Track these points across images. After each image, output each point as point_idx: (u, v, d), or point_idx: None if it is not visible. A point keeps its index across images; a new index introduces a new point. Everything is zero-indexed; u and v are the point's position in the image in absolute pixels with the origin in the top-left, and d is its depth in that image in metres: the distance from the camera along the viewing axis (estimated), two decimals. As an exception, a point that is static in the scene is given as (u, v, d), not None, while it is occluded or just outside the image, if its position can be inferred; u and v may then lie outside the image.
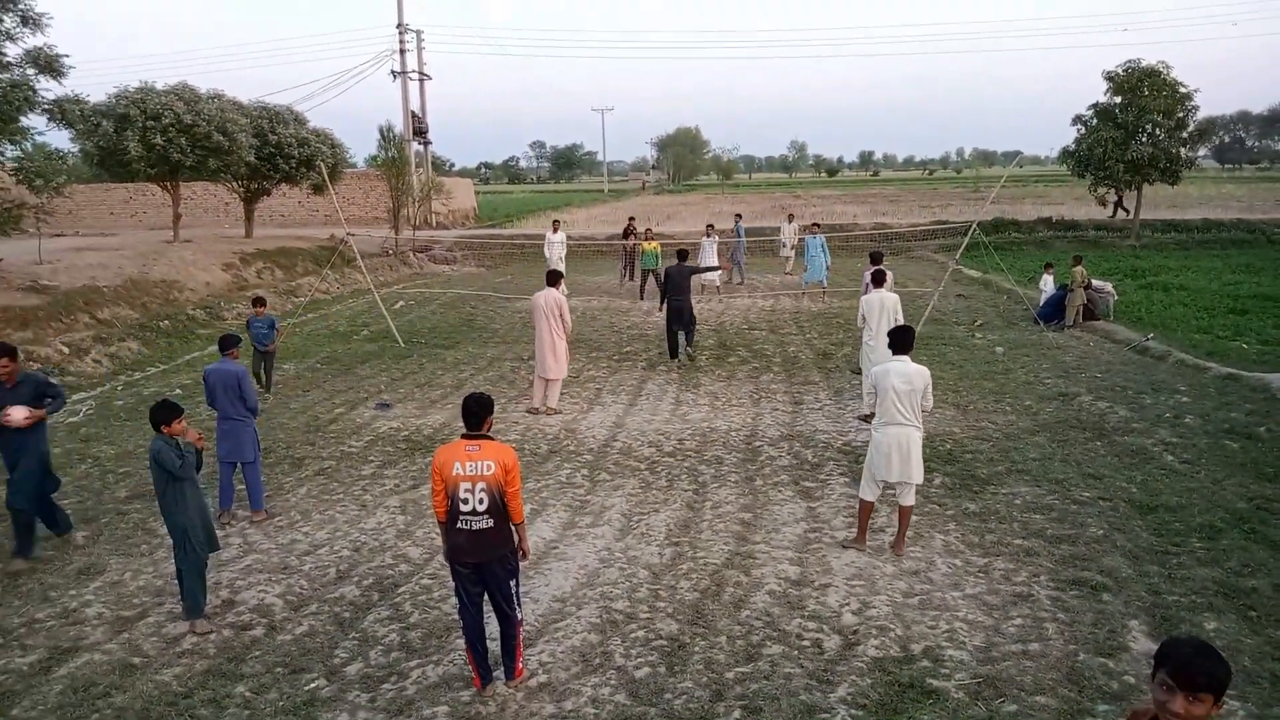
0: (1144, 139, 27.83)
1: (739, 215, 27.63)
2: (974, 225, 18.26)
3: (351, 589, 6.83)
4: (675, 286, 14.00)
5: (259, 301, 12.94)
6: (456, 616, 5.72)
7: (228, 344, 8.48)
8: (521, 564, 5.52)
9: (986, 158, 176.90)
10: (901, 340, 7.14)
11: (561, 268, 21.67)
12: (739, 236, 24.79)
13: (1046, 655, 5.58)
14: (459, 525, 5.17)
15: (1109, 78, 28.41)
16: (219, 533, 7.14)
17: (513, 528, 5.32)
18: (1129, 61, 28.18)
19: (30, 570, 7.25)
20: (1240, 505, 7.84)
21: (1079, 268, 16.66)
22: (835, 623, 6.08)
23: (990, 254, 20.26)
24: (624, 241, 24.84)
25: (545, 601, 6.54)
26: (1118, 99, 28.30)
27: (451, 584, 5.76)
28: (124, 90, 22.68)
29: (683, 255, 14.97)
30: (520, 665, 5.49)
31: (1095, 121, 28.97)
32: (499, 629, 5.48)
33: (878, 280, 10.93)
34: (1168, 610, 6.08)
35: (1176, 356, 13.39)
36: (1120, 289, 18.73)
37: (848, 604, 6.35)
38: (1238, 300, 18.26)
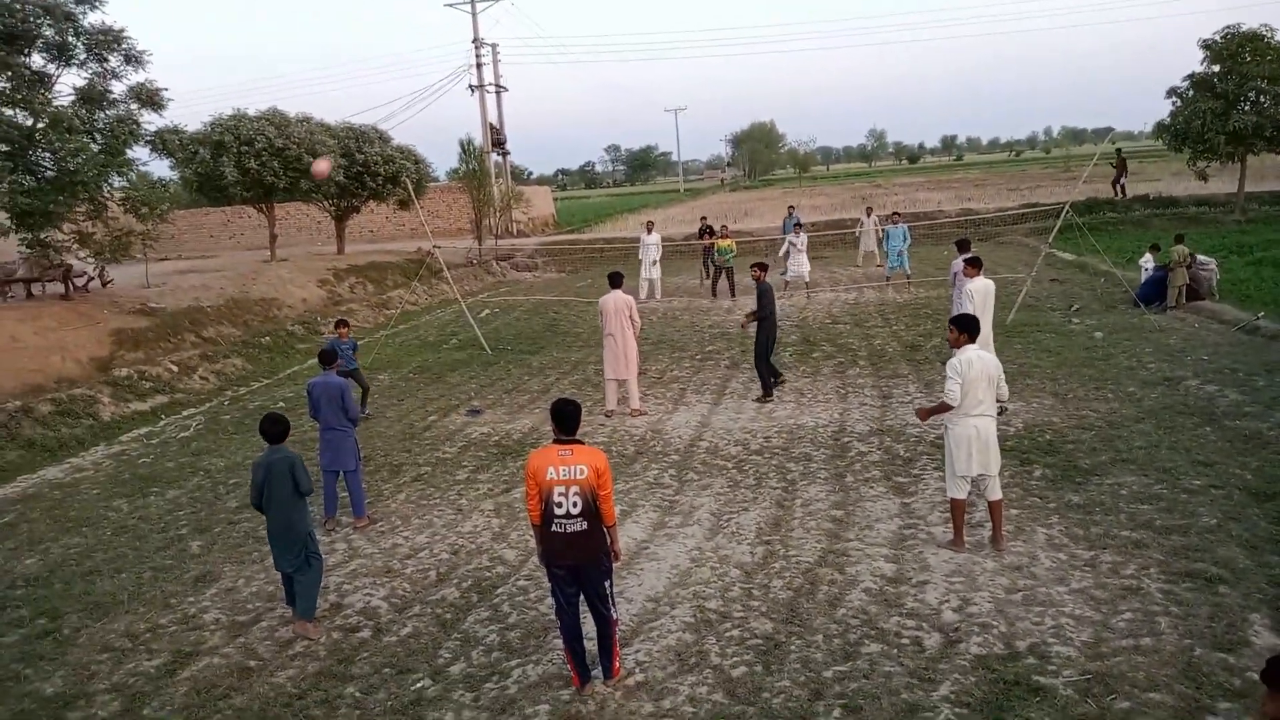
0: (1246, 107, 26.37)
1: (792, 207, 27.83)
2: (1066, 206, 17.62)
3: (452, 591, 7.02)
4: (774, 304, 12.08)
5: (342, 324, 12.36)
6: (553, 617, 5.82)
7: (328, 358, 8.83)
8: (614, 565, 5.59)
9: (1076, 136, 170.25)
10: (971, 327, 6.95)
11: (657, 272, 21.84)
12: (787, 232, 24.65)
13: (1160, 650, 5.36)
14: (553, 528, 5.28)
15: (1206, 46, 26.99)
16: (324, 539, 7.43)
17: (605, 530, 5.40)
18: (1228, 27, 26.72)
19: (151, 579, 7.67)
20: (1369, 490, 7.39)
21: (1180, 245, 15.92)
22: (935, 620, 5.97)
23: (1085, 235, 19.52)
24: (700, 241, 24.83)
25: (639, 601, 6.60)
26: (1216, 68, 26.90)
27: (547, 585, 5.91)
28: (219, 118, 23.76)
29: (762, 267, 12.71)
30: (617, 664, 5.57)
31: (1192, 93, 27.60)
32: (595, 629, 5.56)
33: (976, 264, 10.52)
34: (1292, 603, 5.77)
35: (1291, 335, 12.68)
36: (1226, 266, 17.81)
37: (947, 601, 6.22)
38: (1357, 273, 17.17)
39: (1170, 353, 12.63)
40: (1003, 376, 6.96)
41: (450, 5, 40.69)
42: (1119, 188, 32.23)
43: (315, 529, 6.73)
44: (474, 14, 40.06)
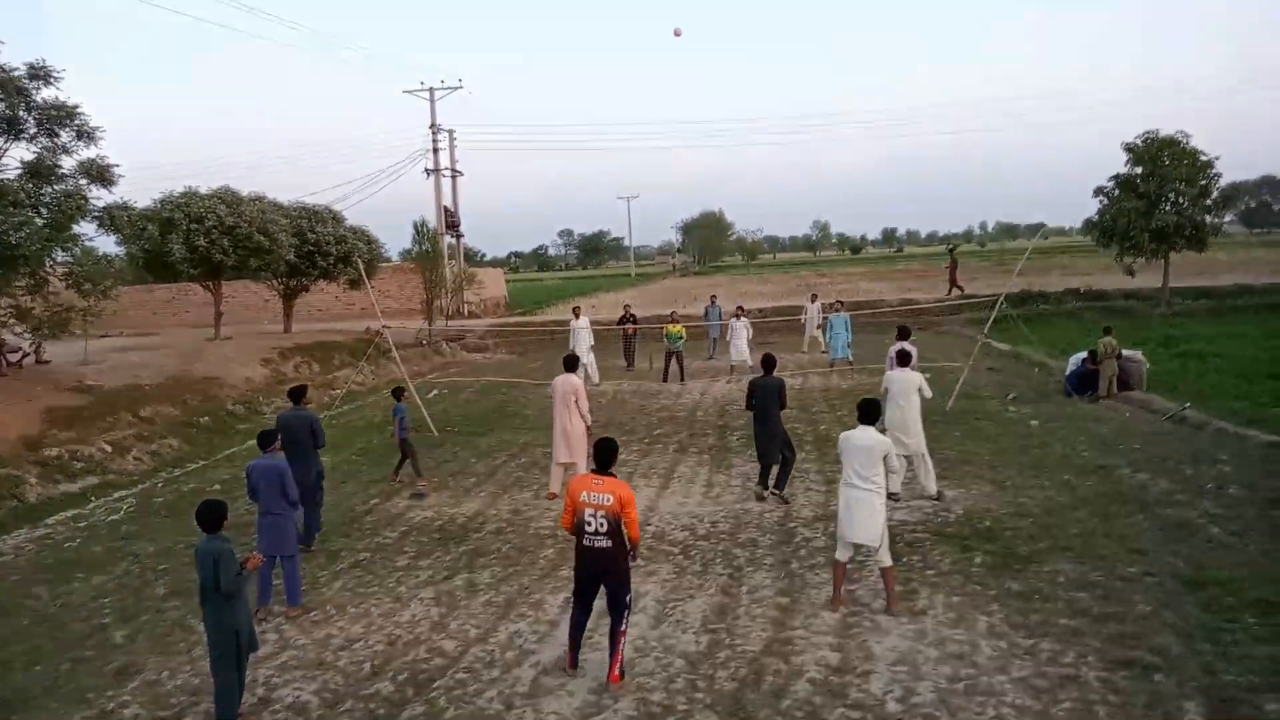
0: (1167, 207, 27.84)
1: (714, 296, 28.65)
2: (1001, 298, 18.27)
3: (386, 685, 6.79)
4: (763, 404, 11.21)
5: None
6: (492, 711, 5.63)
7: (268, 439, 8.62)
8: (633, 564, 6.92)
9: (1009, 231, 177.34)
10: (866, 411, 7.96)
11: (590, 356, 21.82)
12: (709, 319, 25.82)
13: (1099, 741, 5.39)
14: (584, 542, 6.51)
15: (1128, 149, 28.63)
16: (256, 628, 7.15)
17: (630, 544, 6.59)
18: (1147, 132, 28.44)
19: (69, 671, 7.30)
20: (1293, 578, 7.61)
21: (1108, 338, 16.55)
22: (879, 711, 5.94)
23: (1018, 326, 20.18)
24: (621, 327, 24.99)
25: (581, 694, 6.46)
26: (1138, 169, 28.46)
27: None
28: (169, 195, 23.65)
29: (770, 364, 11.68)
30: (616, 672, 6.44)
31: (1117, 192, 29.09)
32: (610, 624, 6.59)
33: (903, 360, 11.00)
34: (1225, 691, 5.87)
35: (1216, 425, 13.16)
36: (1153, 358, 18.51)
37: (891, 690, 6.20)
38: (1276, 365, 17.94)
39: (1103, 441, 13.00)
40: (892, 457, 7.74)
41: (409, 92, 41.46)
42: (955, 286, 33.97)
43: (251, 618, 6.47)
44: (432, 101, 40.86)
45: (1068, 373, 17.17)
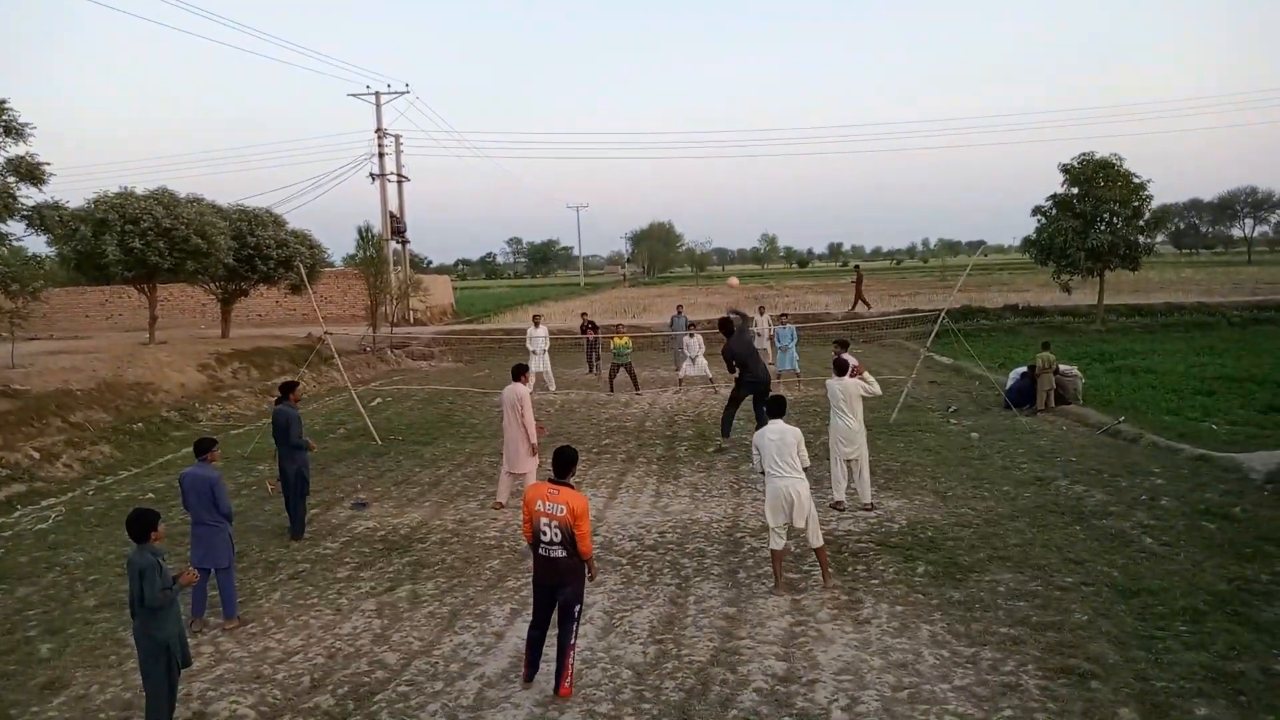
0: (1102, 227, 28.73)
1: (680, 307, 28.63)
2: (943, 313, 18.64)
3: (326, 698, 6.63)
4: (747, 357, 12.39)
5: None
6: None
7: (203, 447, 8.36)
8: (589, 583, 6.85)
9: (951, 247, 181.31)
10: (776, 407, 8.65)
11: (546, 364, 21.72)
12: (676, 330, 25.80)
13: (1039, 748, 5.49)
14: (540, 551, 6.49)
15: (1065, 170, 29.49)
16: (190, 641, 6.93)
17: (581, 559, 6.52)
18: (1083, 154, 29.33)
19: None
20: (1222, 587, 7.86)
21: (1046, 352, 16.98)
22: (824, 720, 5.97)
23: (959, 340, 20.61)
24: (583, 335, 25.61)
25: (527, 707, 6.37)
26: (1075, 190, 29.32)
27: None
28: (103, 195, 22.92)
29: (727, 325, 13.21)
30: (566, 685, 6.42)
31: (1055, 211, 29.92)
32: (559, 635, 6.50)
33: (840, 369, 11.14)
34: (1157, 697, 6.03)
35: (1149, 439, 13.57)
36: (1088, 373, 19.05)
37: (836, 699, 6.24)
38: (1204, 381, 18.61)
39: (1041, 453, 13.31)
40: (802, 444, 8.28)
41: (354, 95, 40.92)
42: (860, 301, 35.10)
43: (185, 629, 6.26)
44: (378, 105, 40.36)
45: (1007, 386, 17.56)
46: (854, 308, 34.85)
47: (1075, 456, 12.99)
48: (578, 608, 6.56)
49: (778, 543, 8.31)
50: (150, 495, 12.91)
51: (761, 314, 26.72)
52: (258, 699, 6.65)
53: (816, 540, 8.33)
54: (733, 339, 12.37)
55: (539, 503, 6.45)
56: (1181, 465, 12.04)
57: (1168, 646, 6.78)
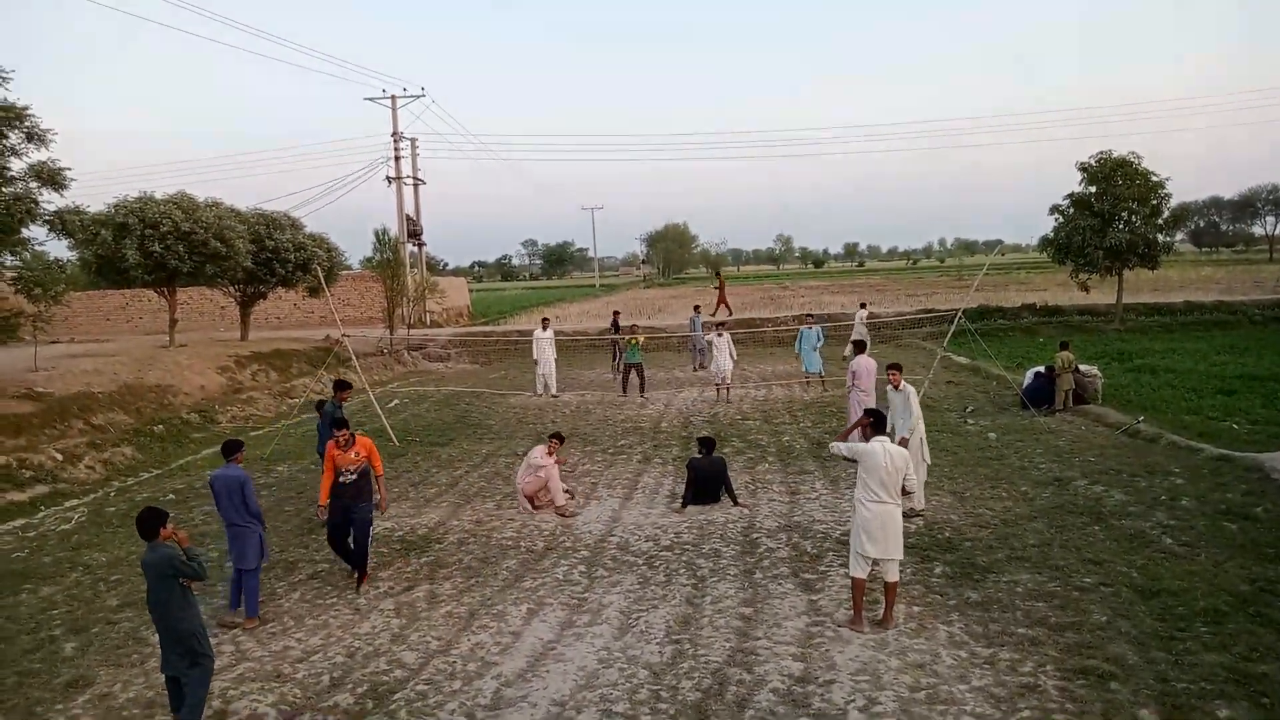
0: (1121, 226, 28.51)
1: (697, 307, 29.27)
2: (959, 313, 18.56)
3: (345, 696, 6.68)
4: (706, 487, 11.34)
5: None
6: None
7: (231, 449, 8.49)
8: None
9: (968, 247, 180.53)
10: (879, 422, 7.61)
11: (551, 367, 21.63)
12: (694, 329, 26.48)
13: (1057, 748, 5.46)
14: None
15: (1083, 168, 29.28)
16: (213, 637, 6.99)
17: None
18: (1101, 153, 29.11)
19: (16, 685, 7.08)
20: (1243, 588, 7.79)
21: (1065, 352, 16.88)
22: (841, 720, 5.97)
23: (976, 340, 20.51)
24: (614, 336, 25.73)
25: (544, 706, 6.40)
26: (1093, 188, 29.11)
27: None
28: (123, 200, 23.16)
29: (709, 445, 11.66)
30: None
31: (1072, 210, 29.71)
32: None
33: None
34: (1178, 698, 5.99)
35: (1168, 439, 13.46)
36: (1107, 372, 18.91)
37: (854, 700, 6.23)
38: (1224, 381, 18.43)
39: (1059, 454, 13.23)
40: (911, 469, 7.41)
41: (371, 100, 41.14)
42: (722, 305, 36.07)
43: (204, 627, 6.34)
44: (394, 109, 40.56)
45: (1024, 386, 17.46)
46: (715, 312, 35.58)
47: (1094, 456, 12.91)
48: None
49: (861, 570, 7.47)
50: (171, 496, 13.04)
51: (863, 307, 27.19)
52: (278, 697, 6.71)
53: (894, 575, 7.51)
54: (703, 461, 11.47)
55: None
56: (1202, 465, 11.94)
57: (1188, 648, 6.73)
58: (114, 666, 7.37)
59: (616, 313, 31.05)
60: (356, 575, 9.07)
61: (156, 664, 6.62)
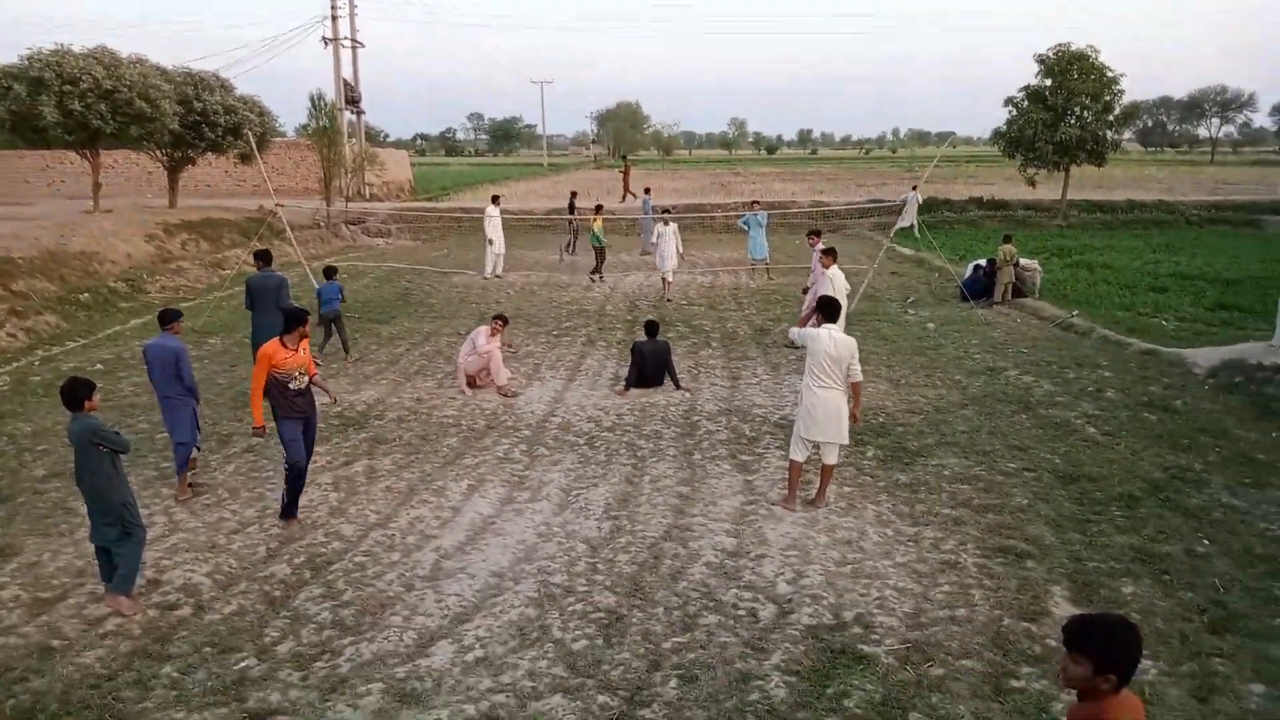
0: (1072, 121, 28.53)
1: (648, 189, 29.56)
2: (915, 190, 18.52)
3: (282, 567, 6.70)
4: (649, 371, 11.38)
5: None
6: (392, 593, 5.75)
7: (167, 318, 8.17)
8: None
9: (921, 138, 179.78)
10: (830, 310, 7.63)
11: (501, 247, 21.17)
12: (646, 213, 26.36)
13: (973, 621, 5.75)
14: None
15: (1040, 60, 29.02)
16: (143, 510, 6.90)
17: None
18: (1059, 45, 28.82)
19: (-60, 552, 6.94)
20: (1157, 475, 8.16)
21: (1008, 245, 17.07)
22: (770, 592, 6.18)
23: (924, 233, 20.61)
24: (569, 216, 25.36)
25: (482, 577, 6.51)
26: (1048, 81, 28.93)
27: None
28: (37, 52, 21.55)
29: (653, 329, 11.79)
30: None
31: (1026, 103, 29.59)
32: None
33: (832, 254, 11.30)
34: (1088, 576, 6.31)
35: (1100, 333, 13.84)
36: (1047, 267, 19.24)
37: (782, 574, 6.45)
38: (1158, 279, 18.92)
39: (994, 345, 13.54)
40: (855, 358, 7.42)
41: (305, -48, 38.47)
42: (628, 192, 37.10)
43: (134, 498, 6.24)
44: (331, -37, 38.06)
45: (965, 278, 17.70)
46: (624, 198, 36.34)
47: (1027, 348, 13.24)
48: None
49: (800, 454, 7.61)
50: (99, 366, 12.67)
51: (914, 190, 27.80)
52: (213, 567, 6.70)
53: (833, 458, 7.62)
54: (646, 345, 11.56)
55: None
56: (1130, 359, 12.33)
57: (1101, 530, 7.06)
58: (42, 536, 7.25)
59: (574, 194, 30.30)
60: (285, 502, 7.57)
61: (85, 534, 6.52)
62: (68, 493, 7.90)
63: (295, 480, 7.51)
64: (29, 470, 8.71)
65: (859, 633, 5.63)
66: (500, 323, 11.80)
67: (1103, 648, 2.75)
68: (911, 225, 25.78)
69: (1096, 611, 2.95)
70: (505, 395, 11.24)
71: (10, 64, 20.89)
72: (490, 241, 20.87)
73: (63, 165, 36.61)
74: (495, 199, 21.99)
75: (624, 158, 43.29)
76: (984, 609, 5.89)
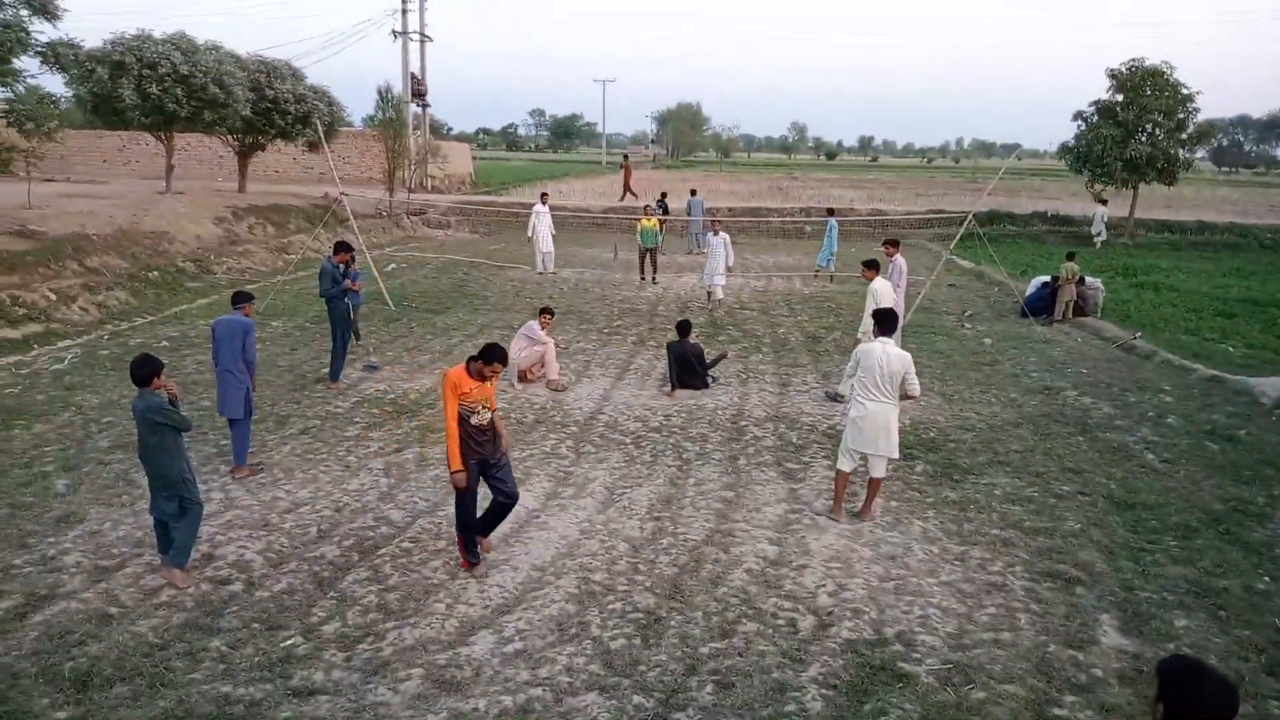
0: (1143, 138, 27.81)
1: (694, 191, 29.09)
2: (969, 216, 18.26)
3: (332, 549, 6.84)
4: (684, 369, 11.55)
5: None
6: (436, 580, 5.91)
7: (240, 299, 8.48)
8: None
9: (985, 149, 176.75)
10: (886, 322, 7.52)
11: (550, 245, 21.25)
12: (692, 214, 26.33)
13: (1017, 645, 5.65)
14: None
15: (1112, 75, 28.33)
16: (202, 487, 7.11)
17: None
18: (1133, 60, 28.11)
19: (9, 516, 7.23)
20: (1217, 506, 7.93)
21: (1071, 263, 16.71)
22: (810, 603, 6.14)
23: (984, 245, 20.27)
24: (663, 217, 25.80)
25: (524, 570, 6.57)
26: (1119, 97, 28.24)
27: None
28: (120, 37, 22.29)
29: (685, 327, 11.81)
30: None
31: (1096, 118, 28.92)
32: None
33: (877, 267, 11.13)
34: (1139, 606, 6.16)
35: (1163, 356, 13.47)
36: (1111, 287, 18.79)
37: (824, 585, 6.40)
38: (1226, 303, 18.35)
39: (1052, 363, 13.26)
40: (911, 370, 7.32)
41: (379, -54, 39.12)
42: (629, 192, 36.77)
43: (194, 474, 6.44)
44: (404, -43, 38.65)
45: (1027, 295, 17.36)
46: (623, 198, 35.97)
47: (1087, 369, 12.94)
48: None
49: (847, 464, 7.55)
50: (165, 343, 13.06)
51: (1103, 203, 28.10)
52: (265, 545, 6.87)
53: (880, 471, 7.51)
54: (679, 345, 11.66)
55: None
56: (1193, 385, 11.99)
57: (1156, 559, 6.89)
58: (104, 505, 7.51)
59: (664, 194, 29.68)
60: (463, 537, 6.60)
61: (145, 506, 6.74)
62: (130, 465, 8.16)
63: (497, 514, 6.69)
64: (95, 441, 9.02)
65: (900, 650, 5.56)
66: (548, 316, 11.91)
67: (1186, 702, 2.59)
68: (1100, 235, 27.50)
69: (1192, 656, 2.83)
70: (555, 389, 11.33)
71: (95, 48, 21.61)
72: (530, 239, 21.09)
73: (139, 146, 37.79)
74: (544, 196, 22.14)
75: (624, 156, 42.68)
76: (1029, 634, 5.79)
